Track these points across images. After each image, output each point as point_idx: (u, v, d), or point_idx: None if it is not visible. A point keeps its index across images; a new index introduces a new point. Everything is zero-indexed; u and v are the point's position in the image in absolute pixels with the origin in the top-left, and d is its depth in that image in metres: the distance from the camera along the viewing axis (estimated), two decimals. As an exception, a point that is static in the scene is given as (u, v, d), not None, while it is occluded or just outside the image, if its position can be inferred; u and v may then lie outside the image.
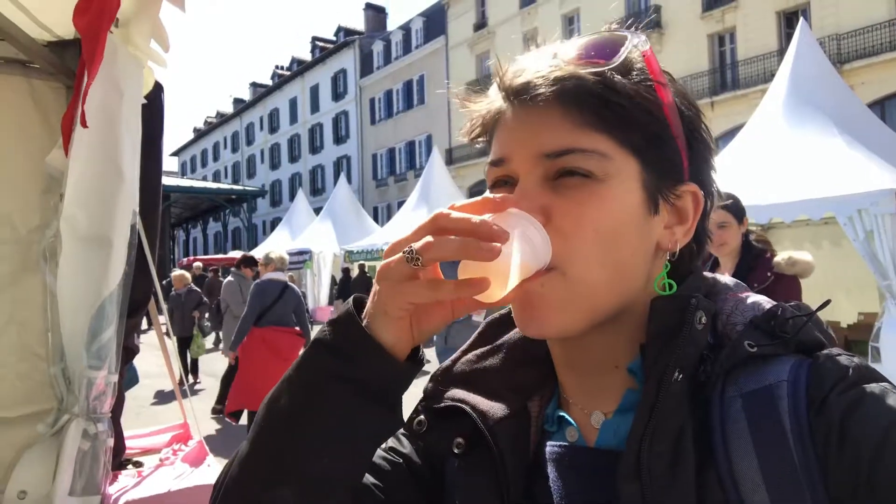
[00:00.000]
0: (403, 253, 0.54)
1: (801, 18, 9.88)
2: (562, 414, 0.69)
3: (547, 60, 0.61)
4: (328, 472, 0.58)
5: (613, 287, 0.60)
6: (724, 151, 9.27)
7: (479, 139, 0.68)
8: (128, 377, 6.45)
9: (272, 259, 6.16)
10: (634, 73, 0.60)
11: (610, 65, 0.59)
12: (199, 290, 10.60)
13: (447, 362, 0.75)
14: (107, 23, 1.46)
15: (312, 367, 0.59)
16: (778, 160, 7.76)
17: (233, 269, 8.51)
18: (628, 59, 0.60)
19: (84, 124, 1.48)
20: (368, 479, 0.68)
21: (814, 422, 0.52)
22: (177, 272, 10.79)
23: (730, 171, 8.22)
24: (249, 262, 8.26)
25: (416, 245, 0.53)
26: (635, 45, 0.61)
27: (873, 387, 0.53)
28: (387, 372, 0.57)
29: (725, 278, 0.71)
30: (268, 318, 5.70)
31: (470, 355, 0.75)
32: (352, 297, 0.62)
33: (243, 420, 5.95)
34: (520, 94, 0.61)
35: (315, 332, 0.61)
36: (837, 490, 0.50)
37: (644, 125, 0.60)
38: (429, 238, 0.53)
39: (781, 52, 15.41)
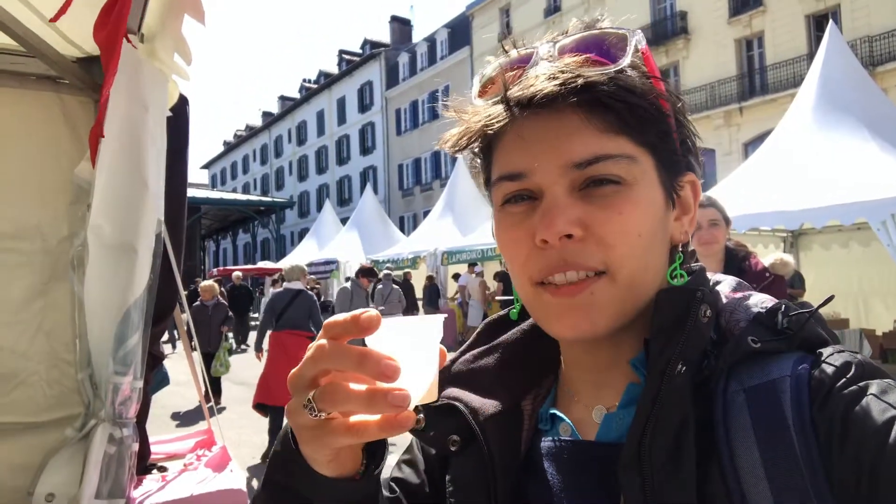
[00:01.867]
0: (304, 407, 0.50)
1: (831, 21, 9.72)
2: (553, 412, 0.69)
3: (551, 65, 0.60)
4: None
5: (651, 283, 0.62)
6: (753, 157, 9.14)
7: (463, 151, 0.66)
8: (158, 378, 6.70)
9: (286, 272, 7.18)
10: (638, 70, 0.61)
11: (619, 66, 0.59)
12: (226, 303, 10.04)
13: (446, 362, 0.75)
14: (121, 33, 1.52)
15: None
16: (808, 165, 7.62)
17: (352, 277, 8.52)
18: (633, 56, 0.61)
19: (101, 134, 1.53)
20: None
21: (816, 416, 0.53)
22: (206, 283, 10.24)
23: (759, 177, 8.11)
24: (368, 272, 8.36)
25: (314, 395, 0.49)
26: (636, 42, 0.61)
27: (876, 383, 0.53)
28: (346, 492, 0.56)
29: (728, 277, 0.71)
30: (283, 322, 6.53)
31: (468, 354, 0.75)
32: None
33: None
34: (535, 105, 0.58)
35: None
36: (840, 484, 0.50)
37: (657, 122, 0.61)
38: (325, 389, 0.49)
39: (811, 56, 15.17)
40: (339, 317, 0.50)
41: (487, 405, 0.68)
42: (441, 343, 0.54)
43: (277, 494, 0.58)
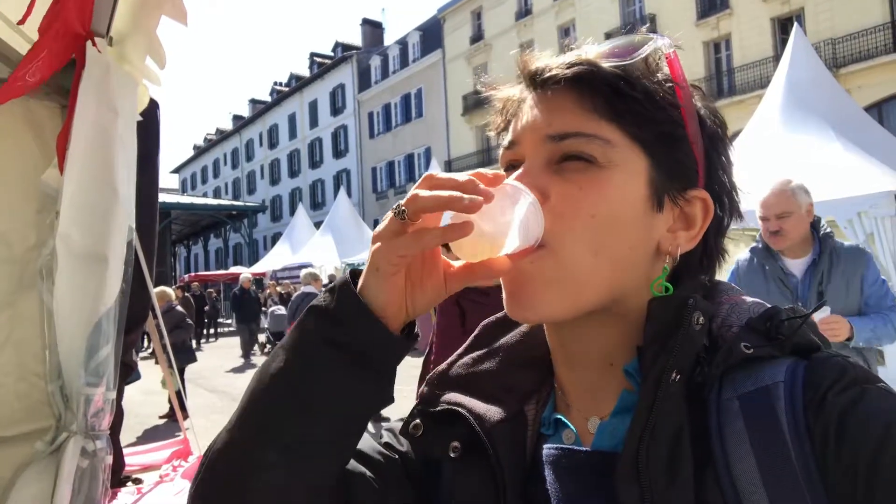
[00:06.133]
0: (392, 210, 0.57)
1: (796, 24, 9.92)
2: (558, 416, 0.69)
3: (571, 55, 0.63)
4: (312, 437, 0.58)
5: (605, 276, 0.60)
6: (722, 157, 9.28)
7: (503, 132, 0.69)
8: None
9: (301, 277, 9.08)
10: (656, 72, 0.62)
11: (629, 60, 0.60)
12: (182, 310, 8.72)
13: (443, 366, 0.75)
14: (61, 22, 1.48)
15: (303, 331, 0.59)
16: (776, 165, 7.75)
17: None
18: (650, 59, 0.62)
19: (63, 138, 1.49)
20: (364, 469, 0.67)
21: (811, 422, 0.53)
22: (158, 289, 8.65)
23: (728, 177, 8.23)
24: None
25: (403, 201, 0.56)
26: (658, 47, 0.62)
27: (869, 387, 0.53)
28: (377, 337, 0.57)
29: (720, 281, 0.71)
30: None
31: (466, 358, 0.74)
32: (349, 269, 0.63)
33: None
34: (536, 78, 0.63)
35: None
36: (836, 489, 0.50)
37: (657, 122, 0.61)
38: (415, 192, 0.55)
39: (777, 58, 15.49)
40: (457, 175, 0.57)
41: (492, 411, 0.67)
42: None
43: (314, 316, 0.60)
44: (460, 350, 0.76)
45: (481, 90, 0.71)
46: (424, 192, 0.55)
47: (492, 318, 0.77)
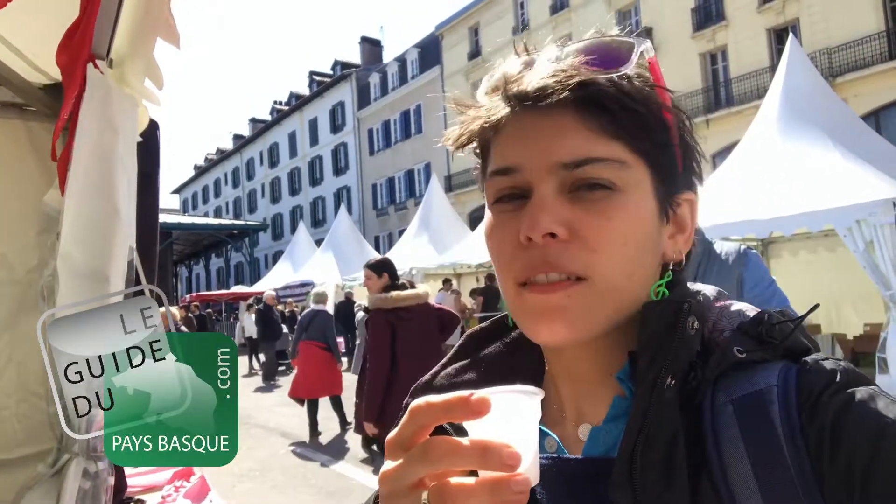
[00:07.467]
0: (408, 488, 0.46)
1: (791, 34, 9.98)
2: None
3: (554, 65, 0.60)
4: None
5: (635, 295, 0.60)
6: (721, 168, 9.31)
7: (466, 147, 0.67)
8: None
9: (314, 296, 9.32)
10: (642, 78, 0.61)
11: (621, 70, 0.59)
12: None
13: (427, 376, 0.74)
14: (83, 57, 1.49)
15: None
16: (775, 174, 7.78)
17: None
18: (637, 65, 0.61)
19: (64, 159, 1.50)
20: None
21: (806, 425, 0.52)
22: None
23: (728, 187, 8.25)
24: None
25: (429, 499, 0.46)
26: (643, 52, 0.61)
27: (862, 390, 0.53)
28: None
29: (708, 287, 0.71)
30: (307, 335, 8.52)
31: (449, 369, 0.73)
32: None
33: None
34: (533, 100, 0.59)
35: None
36: (832, 493, 0.50)
37: (655, 132, 0.60)
38: (443, 491, 0.45)
39: (773, 69, 15.54)
40: (434, 399, 0.46)
41: None
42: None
43: None
44: (444, 360, 0.75)
45: (456, 105, 0.67)
46: (460, 491, 0.44)
47: (476, 328, 0.76)
